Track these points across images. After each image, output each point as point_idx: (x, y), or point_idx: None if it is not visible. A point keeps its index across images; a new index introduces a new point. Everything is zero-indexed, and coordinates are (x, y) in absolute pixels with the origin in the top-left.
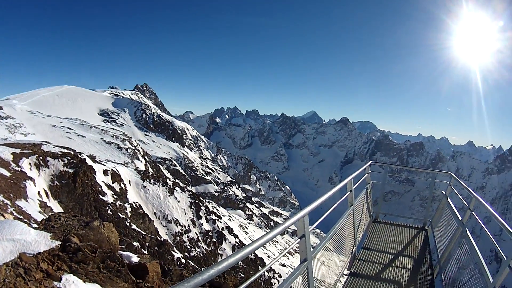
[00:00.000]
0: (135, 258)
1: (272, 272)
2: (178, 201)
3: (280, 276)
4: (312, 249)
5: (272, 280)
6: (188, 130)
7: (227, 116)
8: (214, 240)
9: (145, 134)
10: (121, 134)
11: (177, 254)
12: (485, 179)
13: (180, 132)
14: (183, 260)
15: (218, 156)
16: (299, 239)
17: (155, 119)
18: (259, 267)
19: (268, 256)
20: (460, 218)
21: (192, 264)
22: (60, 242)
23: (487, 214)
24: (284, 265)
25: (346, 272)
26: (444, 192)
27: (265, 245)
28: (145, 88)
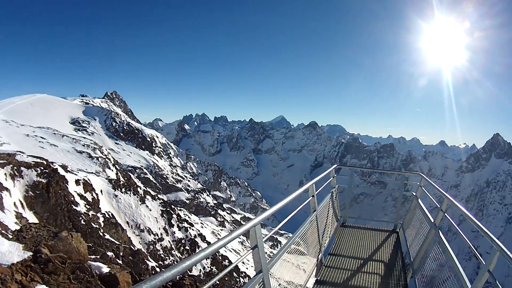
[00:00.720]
0: (105, 269)
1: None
2: (150, 210)
3: (246, 276)
4: (269, 259)
5: (240, 279)
6: (157, 137)
7: (195, 123)
8: (187, 248)
9: (116, 143)
10: (92, 143)
11: (151, 263)
12: (459, 178)
13: (149, 140)
14: (158, 269)
15: (188, 164)
16: (252, 250)
17: (125, 127)
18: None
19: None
20: (432, 220)
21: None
22: (31, 253)
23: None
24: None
25: (312, 280)
26: (414, 194)
27: (231, 244)
28: (114, 96)
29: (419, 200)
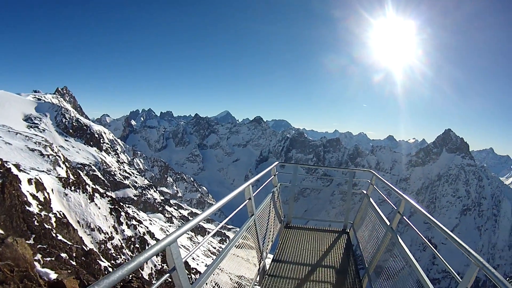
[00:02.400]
0: (53, 275)
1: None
2: (99, 208)
3: (197, 273)
4: (196, 279)
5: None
6: (105, 134)
7: (142, 119)
8: (137, 246)
9: (65, 139)
10: (43, 140)
11: (104, 263)
12: (409, 171)
13: (97, 136)
14: (110, 269)
15: (134, 160)
16: (169, 273)
17: (74, 124)
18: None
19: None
20: (388, 223)
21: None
22: None
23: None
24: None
25: None
26: (365, 192)
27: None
28: (65, 92)
29: (371, 199)
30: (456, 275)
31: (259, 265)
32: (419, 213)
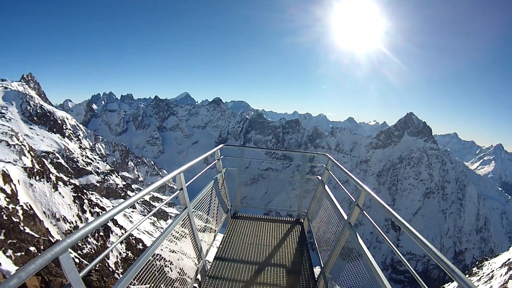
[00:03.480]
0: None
1: (163, 260)
2: (63, 197)
3: (171, 263)
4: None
5: (165, 269)
6: (67, 119)
7: (103, 102)
8: (101, 234)
9: (30, 128)
10: (9, 130)
11: (71, 254)
12: (369, 153)
13: (60, 122)
14: (77, 260)
15: (96, 145)
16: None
17: (38, 111)
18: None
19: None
20: (346, 217)
21: (86, 262)
22: None
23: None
24: (174, 251)
25: None
26: (320, 178)
27: (152, 235)
28: (30, 78)
29: (326, 187)
30: (408, 265)
31: (198, 265)
32: (379, 206)
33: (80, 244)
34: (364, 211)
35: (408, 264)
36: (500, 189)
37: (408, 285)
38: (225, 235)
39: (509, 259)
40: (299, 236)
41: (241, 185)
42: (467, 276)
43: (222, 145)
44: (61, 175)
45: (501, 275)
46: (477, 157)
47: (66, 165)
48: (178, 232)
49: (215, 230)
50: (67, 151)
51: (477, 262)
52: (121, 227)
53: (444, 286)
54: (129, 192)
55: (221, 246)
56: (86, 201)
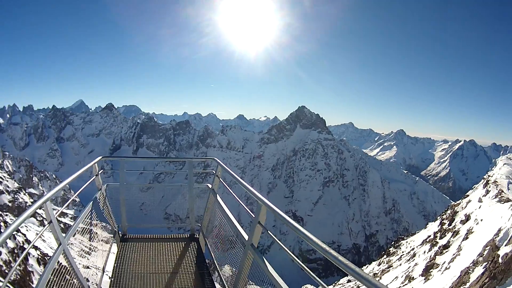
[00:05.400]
0: None
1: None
2: None
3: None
4: None
5: None
6: None
7: (8, 115)
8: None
9: None
10: None
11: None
12: (262, 148)
13: None
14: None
15: (4, 162)
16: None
17: None
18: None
19: None
20: (247, 238)
21: None
22: None
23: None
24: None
25: None
26: (210, 186)
27: None
28: None
29: (218, 197)
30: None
31: None
32: (279, 219)
33: (7, 271)
34: (268, 231)
35: (301, 263)
36: (406, 171)
37: (323, 272)
38: (115, 265)
39: (429, 236)
40: (196, 257)
41: (124, 202)
42: (385, 256)
43: (100, 157)
44: None
45: (424, 252)
46: (377, 144)
47: None
48: (55, 277)
49: (104, 260)
50: None
51: (393, 242)
52: (36, 248)
53: (362, 268)
54: (37, 210)
55: (111, 281)
56: (2, 223)
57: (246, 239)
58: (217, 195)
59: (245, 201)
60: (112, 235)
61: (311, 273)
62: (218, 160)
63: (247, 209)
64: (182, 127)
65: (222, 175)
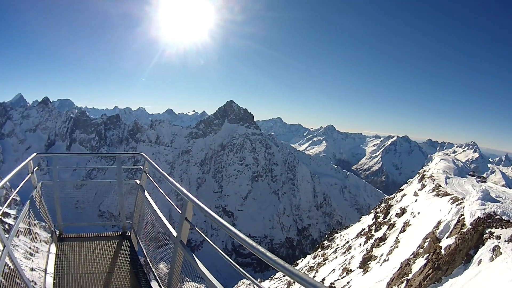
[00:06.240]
0: None
1: None
2: None
3: None
4: None
5: None
6: None
7: None
8: None
9: None
10: None
11: None
12: (190, 143)
13: None
14: None
15: None
16: None
17: None
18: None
19: None
20: (176, 234)
21: None
22: None
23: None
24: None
25: None
26: (138, 182)
27: None
28: None
29: (146, 193)
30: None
31: None
32: (205, 215)
33: None
34: (196, 227)
35: (231, 260)
36: (336, 166)
37: (258, 267)
38: (55, 266)
39: (363, 229)
40: (129, 255)
41: (59, 200)
42: (319, 250)
43: (34, 154)
44: None
45: (360, 244)
46: (306, 139)
47: None
48: (7, 281)
49: (45, 262)
50: None
51: (326, 236)
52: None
53: (298, 262)
54: None
55: (54, 283)
56: None
57: (175, 236)
58: (145, 191)
59: (175, 197)
60: (50, 235)
61: (240, 268)
62: (145, 156)
63: (174, 205)
64: (112, 122)
65: (153, 171)
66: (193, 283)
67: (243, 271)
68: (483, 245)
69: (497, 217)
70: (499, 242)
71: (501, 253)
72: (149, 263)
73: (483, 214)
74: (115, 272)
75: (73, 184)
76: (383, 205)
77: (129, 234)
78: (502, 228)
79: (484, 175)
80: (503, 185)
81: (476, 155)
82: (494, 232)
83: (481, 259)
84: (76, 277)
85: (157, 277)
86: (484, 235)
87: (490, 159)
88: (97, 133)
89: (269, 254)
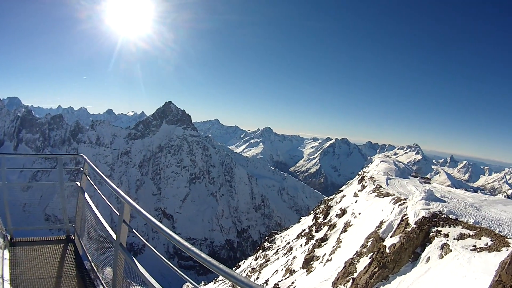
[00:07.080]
0: None
1: None
2: None
3: None
4: None
5: None
6: None
7: None
8: None
9: None
10: None
11: None
12: (129, 144)
13: None
14: None
15: None
16: None
17: None
18: None
19: None
20: (115, 237)
21: None
22: None
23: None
24: None
25: None
26: (79, 184)
27: None
28: None
29: (87, 195)
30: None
31: None
32: (142, 218)
33: None
34: (134, 230)
35: (171, 264)
36: (273, 168)
37: (201, 269)
38: (10, 272)
39: (304, 229)
40: (74, 259)
41: (7, 203)
42: (260, 251)
43: None
44: None
45: (301, 245)
46: (243, 141)
47: None
48: None
49: (1, 269)
50: None
51: (266, 237)
52: None
53: (240, 263)
54: None
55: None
56: None
57: (115, 239)
58: (85, 193)
59: (116, 199)
60: (2, 239)
61: (180, 272)
62: (84, 157)
63: (113, 208)
64: (56, 121)
65: (93, 173)
66: (138, 287)
67: (183, 274)
68: (430, 243)
69: (443, 216)
70: (447, 240)
71: (450, 251)
72: (94, 267)
73: (428, 213)
74: (63, 277)
75: (21, 186)
76: (322, 206)
77: (73, 237)
78: (450, 226)
79: (428, 176)
80: (449, 185)
81: (419, 157)
82: (441, 231)
83: (429, 257)
84: (30, 282)
85: (103, 282)
86: (431, 234)
87: (434, 161)
88: (41, 133)
89: (204, 255)
